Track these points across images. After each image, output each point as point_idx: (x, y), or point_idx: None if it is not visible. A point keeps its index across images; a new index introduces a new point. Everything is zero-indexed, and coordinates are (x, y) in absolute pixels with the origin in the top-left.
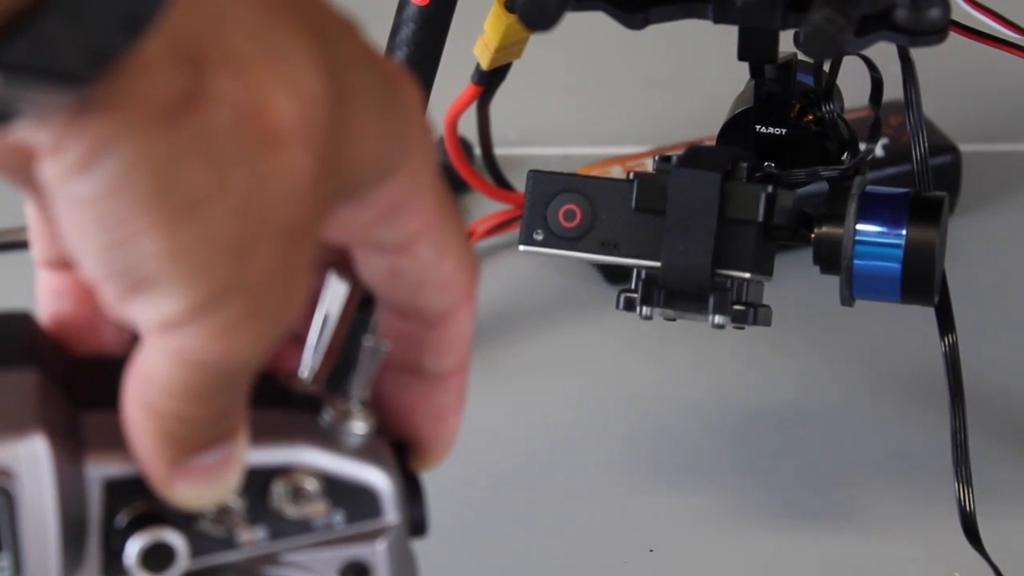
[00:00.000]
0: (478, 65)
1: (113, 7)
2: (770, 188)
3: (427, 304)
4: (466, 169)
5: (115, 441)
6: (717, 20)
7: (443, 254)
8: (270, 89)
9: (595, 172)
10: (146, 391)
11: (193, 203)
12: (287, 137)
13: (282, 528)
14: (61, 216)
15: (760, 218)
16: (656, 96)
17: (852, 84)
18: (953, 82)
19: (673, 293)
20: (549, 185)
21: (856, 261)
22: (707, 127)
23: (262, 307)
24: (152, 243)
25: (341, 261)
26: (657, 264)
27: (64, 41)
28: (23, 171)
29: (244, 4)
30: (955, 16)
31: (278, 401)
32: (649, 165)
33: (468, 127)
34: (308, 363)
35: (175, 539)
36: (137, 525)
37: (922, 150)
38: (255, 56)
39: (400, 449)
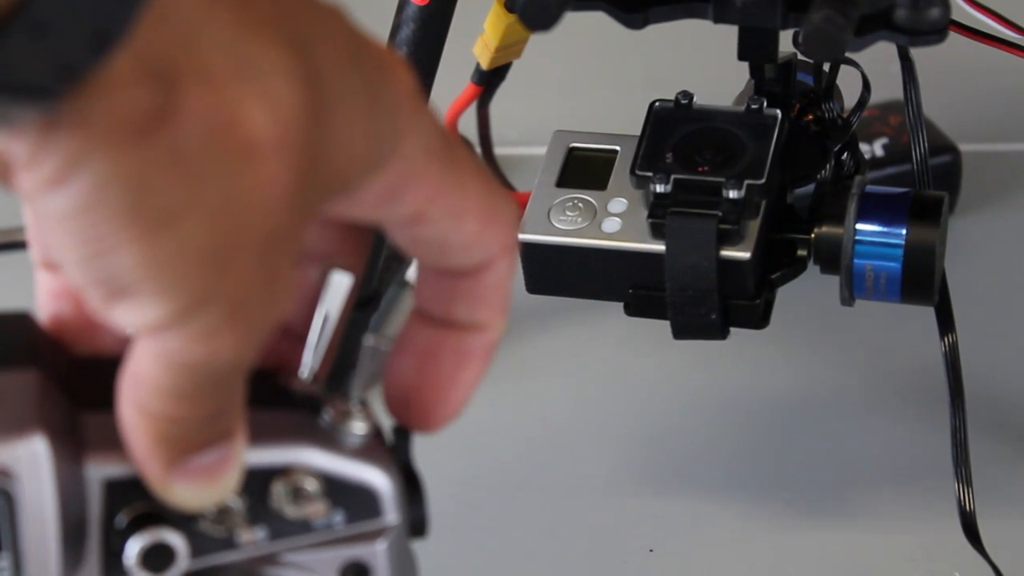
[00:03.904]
0: (478, 65)
1: (80, 23)
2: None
3: (455, 263)
4: None
5: (115, 441)
6: (717, 20)
7: (460, 217)
8: (244, 103)
9: None
10: (138, 392)
11: (168, 216)
12: (262, 150)
13: (282, 528)
14: (42, 225)
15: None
16: (656, 96)
17: (852, 84)
18: (953, 82)
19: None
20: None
21: (856, 261)
22: None
23: (244, 311)
24: (129, 256)
25: (340, 253)
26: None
27: (30, 57)
28: (5, 180)
29: (217, 18)
30: (955, 16)
31: (278, 401)
32: None
33: (468, 127)
34: (308, 363)
35: (175, 539)
36: (137, 525)
37: (922, 150)
38: (228, 70)
39: (402, 439)
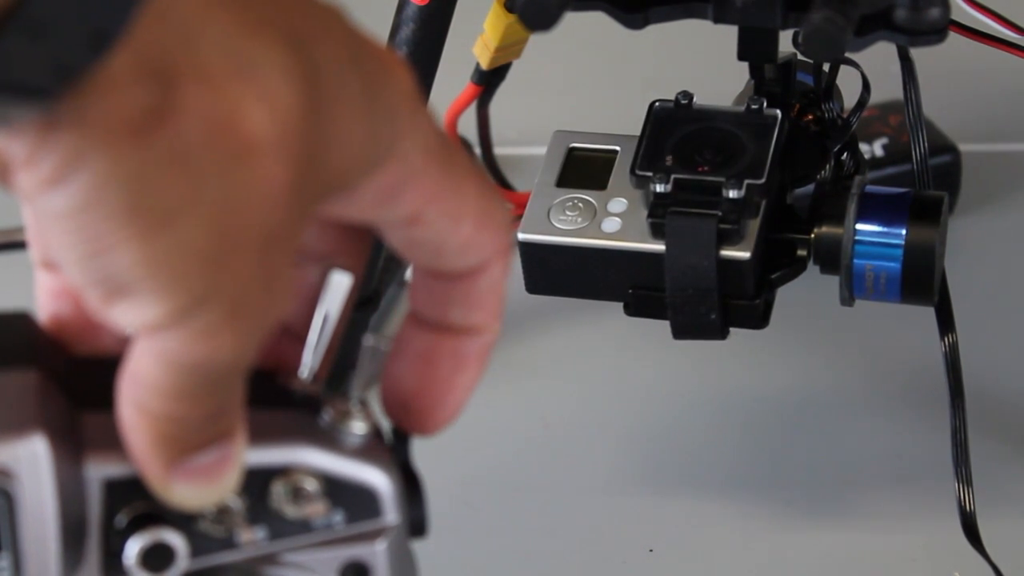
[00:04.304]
0: (478, 65)
1: (78, 24)
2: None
3: (451, 266)
4: None
5: (115, 441)
6: (717, 20)
7: (457, 219)
8: (242, 102)
9: None
10: (138, 392)
11: (167, 216)
12: (260, 149)
13: (282, 528)
14: (41, 225)
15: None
16: (656, 96)
17: (852, 84)
18: (953, 82)
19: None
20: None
21: (856, 261)
22: None
23: (242, 310)
24: (128, 255)
25: (340, 253)
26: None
27: (28, 57)
28: (4, 180)
29: (215, 17)
30: (955, 16)
31: (278, 401)
32: None
33: (468, 127)
34: (308, 363)
35: (175, 539)
36: (137, 525)
37: (922, 150)
38: (226, 69)
39: (401, 439)
